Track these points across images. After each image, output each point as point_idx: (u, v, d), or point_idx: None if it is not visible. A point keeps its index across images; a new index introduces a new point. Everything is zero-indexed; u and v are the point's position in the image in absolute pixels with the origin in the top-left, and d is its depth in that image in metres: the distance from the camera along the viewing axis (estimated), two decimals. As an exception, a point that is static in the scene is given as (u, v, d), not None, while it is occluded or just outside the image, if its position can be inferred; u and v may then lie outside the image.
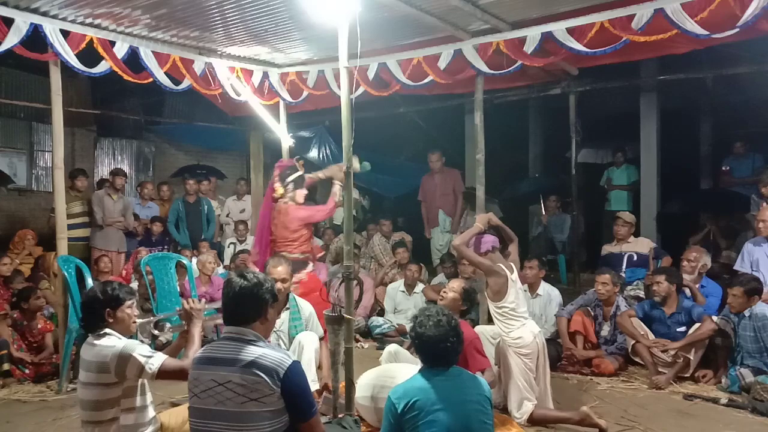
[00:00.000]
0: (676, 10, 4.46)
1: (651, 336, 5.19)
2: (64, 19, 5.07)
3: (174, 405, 4.12)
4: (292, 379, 2.35)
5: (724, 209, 7.19)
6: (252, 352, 2.37)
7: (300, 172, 5.48)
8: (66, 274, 5.10)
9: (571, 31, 4.98)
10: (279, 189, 5.39)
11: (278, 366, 2.34)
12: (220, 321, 3.24)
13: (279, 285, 4.19)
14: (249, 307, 2.51)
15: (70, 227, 5.82)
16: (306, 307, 4.45)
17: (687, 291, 5.49)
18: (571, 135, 7.89)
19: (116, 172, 7.85)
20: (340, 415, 3.55)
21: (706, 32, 4.43)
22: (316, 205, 6.13)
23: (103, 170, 10.31)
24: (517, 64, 5.42)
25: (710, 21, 4.39)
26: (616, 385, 4.97)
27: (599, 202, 8.82)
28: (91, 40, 5.22)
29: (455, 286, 4.11)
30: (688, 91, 8.53)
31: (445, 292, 4.09)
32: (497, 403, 4.07)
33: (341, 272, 3.74)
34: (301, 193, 5.44)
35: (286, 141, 7.10)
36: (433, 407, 2.59)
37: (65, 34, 5.09)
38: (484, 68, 5.56)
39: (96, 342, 2.86)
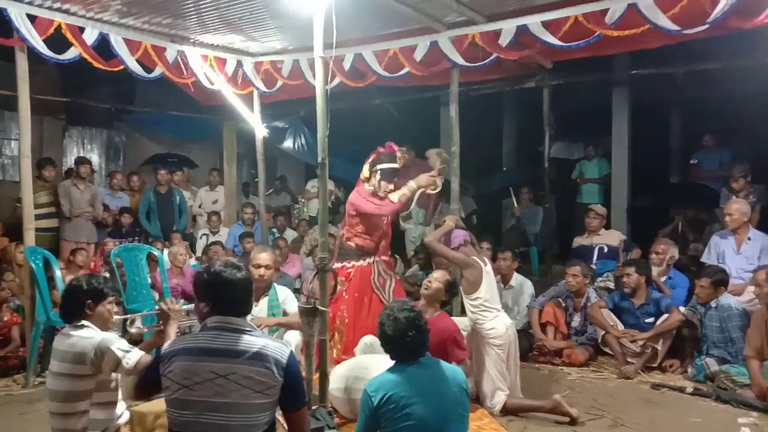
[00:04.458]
0: (649, 6, 4.52)
1: (620, 327, 5.28)
2: (30, 3, 4.92)
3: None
4: (292, 369, 2.34)
5: (692, 202, 7.33)
6: (254, 342, 2.32)
7: (396, 165, 4.72)
8: (33, 265, 4.99)
9: (546, 24, 5.02)
10: (365, 171, 4.77)
11: (281, 356, 2.32)
12: (194, 322, 3.19)
13: (262, 271, 4.19)
14: (248, 298, 2.49)
15: (37, 217, 5.68)
16: (282, 291, 4.44)
17: (655, 282, 5.60)
18: (545, 128, 7.96)
19: (80, 161, 7.62)
20: (313, 407, 3.55)
21: (677, 28, 4.50)
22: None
23: (71, 159, 10.05)
24: (492, 57, 5.44)
25: (681, 17, 4.45)
26: (586, 375, 5.06)
27: (571, 195, 8.92)
28: (60, 25, 5.08)
29: (439, 276, 4.13)
30: (659, 86, 8.65)
31: (429, 282, 4.10)
32: (470, 394, 4.11)
33: (315, 264, 3.73)
34: (385, 187, 4.68)
35: (260, 131, 7.03)
36: (409, 400, 2.60)
37: (32, 18, 4.94)
38: (460, 60, 5.57)
39: (73, 333, 2.83)
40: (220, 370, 2.27)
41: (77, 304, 2.90)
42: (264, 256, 4.26)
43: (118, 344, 2.79)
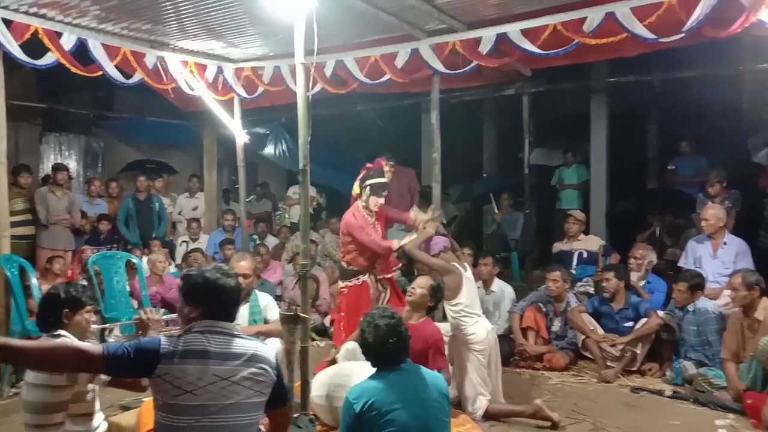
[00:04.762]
0: (626, 15, 4.59)
1: (600, 331, 5.33)
2: (6, 8, 4.85)
3: (125, 408, 4.03)
4: (279, 368, 2.44)
5: (670, 208, 7.44)
6: (247, 345, 2.37)
7: (384, 180, 4.83)
8: (9, 273, 4.90)
9: (525, 32, 5.06)
10: (356, 187, 4.87)
11: (270, 356, 2.40)
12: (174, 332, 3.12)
13: (241, 279, 4.16)
14: (239, 304, 2.55)
15: (13, 225, 5.59)
16: (263, 298, 4.42)
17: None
18: (525, 135, 8.04)
19: (57, 167, 7.47)
20: (295, 415, 3.52)
21: (653, 36, 4.57)
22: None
23: (48, 166, 9.91)
24: (472, 64, 5.48)
25: (658, 25, 4.53)
26: (567, 380, 5.10)
27: (551, 201, 9.01)
28: (36, 30, 5.01)
29: (423, 282, 4.12)
30: (637, 93, 8.79)
31: (413, 288, 4.09)
32: (452, 399, 4.11)
33: (297, 271, 3.72)
34: (375, 201, 4.77)
35: (241, 137, 6.99)
36: (391, 406, 2.60)
37: (8, 23, 4.87)
38: (441, 68, 5.60)
39: None
40: (222, 372, 2.26)
41: (54, 313, 2.84)
42: (243, 265, 4.23)
43: None
